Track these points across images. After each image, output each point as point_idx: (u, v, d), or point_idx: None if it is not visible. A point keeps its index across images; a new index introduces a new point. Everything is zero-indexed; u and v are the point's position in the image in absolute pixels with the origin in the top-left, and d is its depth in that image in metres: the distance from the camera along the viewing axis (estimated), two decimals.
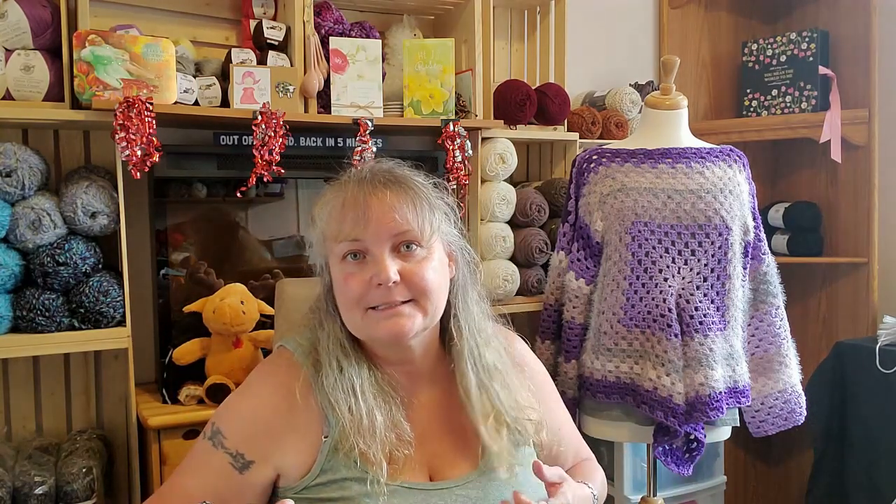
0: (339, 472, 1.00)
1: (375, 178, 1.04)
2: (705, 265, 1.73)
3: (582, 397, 1.82)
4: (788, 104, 2.70)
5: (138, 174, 1.63)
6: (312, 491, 1.01)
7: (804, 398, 1.91)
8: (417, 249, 1.03)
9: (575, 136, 2.33)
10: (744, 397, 1.76)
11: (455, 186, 2.01)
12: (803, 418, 1.90)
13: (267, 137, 1.77)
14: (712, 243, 1.73)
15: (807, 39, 2.65)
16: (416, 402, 1.08)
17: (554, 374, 1.81)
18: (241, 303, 1.76)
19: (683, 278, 1.72)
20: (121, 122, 1.60)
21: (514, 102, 2.18)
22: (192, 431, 1.69)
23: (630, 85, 2.56)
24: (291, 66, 1.90)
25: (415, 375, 1.10)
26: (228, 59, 1.88)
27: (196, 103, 1.81)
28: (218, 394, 1.72)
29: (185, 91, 1.78)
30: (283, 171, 1.79)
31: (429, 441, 1.06)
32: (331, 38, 1.94)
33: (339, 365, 1.03)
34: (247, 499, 1.03)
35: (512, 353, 1.18)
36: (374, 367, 1.07)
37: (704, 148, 1.82)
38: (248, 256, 2.03)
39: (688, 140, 1.85)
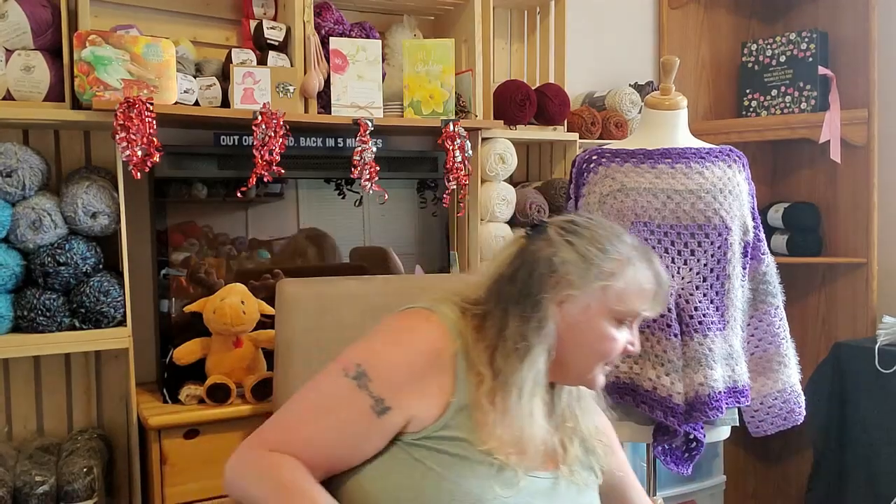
0: (460, 432, 1.05)
1: (659, 262, 1.15)
2: (705, 265, 1.73)
3: None
4: (788, 104, 2.71)
5: (139, 174, 1.63)
6: (432, 441, 1.05)
7: (803, 398, 1.91)
8: None
9: (575, 136, 2.33)
10: (743, 397, 1.76)
11: (455, 186, 2.01)
12: (802, 418, 1.90)
13: (267, 138, 1.77)
14: (712, 243, 1.73)
15: (806, 40, 2.66)
16: None
17: None
18: (242, 303, 1.77)
19: (683, 278, 1.72)
20: (121, 122, 1.60)
21: (514, 102, 2.18)
22: (192, 431, 1.69)
23: (630, 85, 2.56)
24: (291, 66, 1.91)
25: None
26: (229, 59, 1.89)
27: (196, 103, 1.81)
28: (218, 393, 1.72)
29: (185, 91, 1.78)
30: (283, 171, 1.79)
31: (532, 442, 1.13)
32: (331, 38, 1.94)
33: (524, 388, 1.08)
34: (373, 443, 1.05)
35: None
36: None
37: (704, 148, 1.82)
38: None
39: (687, 140, 1.85)
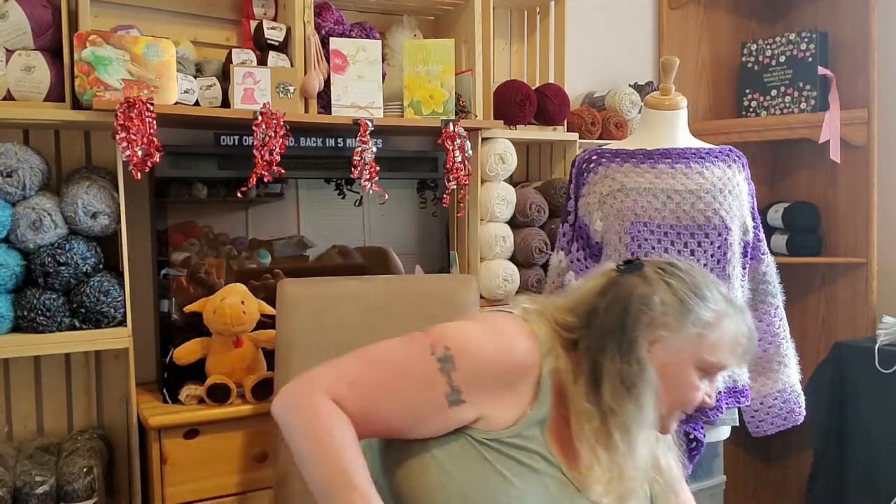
0: (534, 445, 1.04)
1: (750, 318, 1.14)
2: (704, 265, 1.73)
3: None
4: (788, 104, 2.71)
5: (139, 174, 1.63)
6: (504, 446, 1.03)
7: (803, 398, 1.91)
8: None
9: (574, 136, 2.33)
10: (743, 397, 1.76)
11: (455, 186, 2.01)
12: (802, 418, 1.91)
13: (267, 138, 1.77)
14: (711, 243, 1.73)
15: (806, 40, 2.66)
16: None
17: None
18: (242, 303, 1.77)
19: None
20: (121, 122, 1.60)
21: (514, 103, 2.18)
22: (192, 431, 1.69)
23: (630, 85, 2.56)
24: (292, 66, 1.91)
25: None
26: (229, 59, 1.89)
27: (197, 104, 1.81)
28: (218, 393, 1.72)
29: (185, 91, 1.78)
30: (283, 171, 1.79)
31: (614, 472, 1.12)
32: (331, 38, 1.94)
33: (637, 437, 1.08)
34: (434, 426, 1.03)
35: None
36: None
37: (704, 148, 1.82)
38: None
39: (687, 140, 1.86)
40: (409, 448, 1.05)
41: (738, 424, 1.85)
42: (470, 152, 2.02)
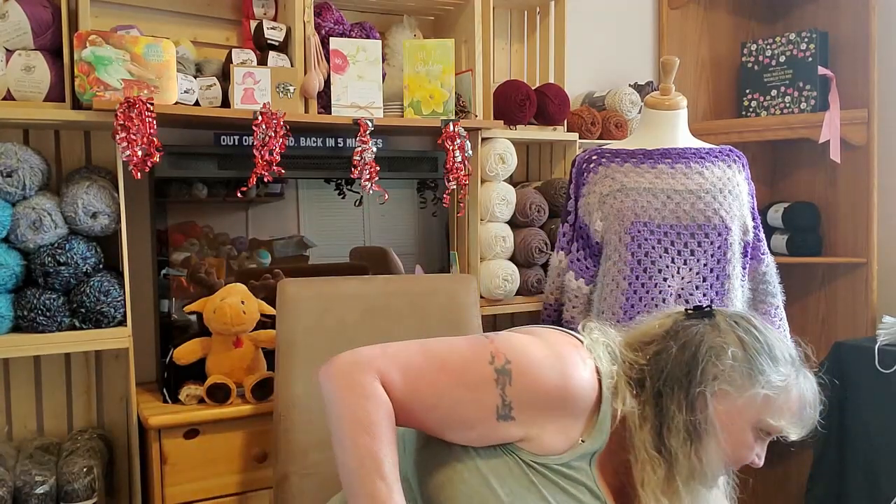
0: (581, 476, 1.03)
1: (814, 393, 1.12)
2: (704, 265, 1.73)
3: None
4: (788, 104, 2.71)
5: (139, 174, 1.63)
6: (550, 471, 1.02)
7: None
8: None
9: (574, 136, 2.33)
10: None
11: (455, 186, 2.01)
12: None
13: (267, 138, 1.77)
14: (711, 243, 1.73)
15: (806, 40, 2.66)
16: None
17: None
18: (242, 303, 1.77)
19: (683, 278, 1.72)
20: (121, 122, 1.60)
21: (514, 103, 2.18)
22: (192, 431, 1.69)
23: (630, 85, 2.56)
24: (292, 66, 1.91)
25: None
26: (229, 59, 1.89)
27: (197, 104, 1.81)
28: (218, 393, 1.72)
29: (185, 91, 1.78)
30: (283, 171, 1.79)
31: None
32: (331, 38, 1.94)
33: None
34: (476, 435, 1.02)
35: None
36: None
37: (704, 148, 1.82)
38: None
39: (687, 140, 1.86)
40: (452, 454, 1.03)
41: None
42: (470, 152, 2.02)
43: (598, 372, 1.07)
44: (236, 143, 1.90)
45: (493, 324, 2.33)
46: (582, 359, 1.07)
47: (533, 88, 2.25)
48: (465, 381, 1.00)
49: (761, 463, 1.11)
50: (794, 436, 1.09)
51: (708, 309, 1.12)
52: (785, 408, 1.07)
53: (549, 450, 1.03)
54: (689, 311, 1.13)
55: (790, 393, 1.07)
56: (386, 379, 0.98)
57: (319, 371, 1.01)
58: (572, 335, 1.12)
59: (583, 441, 1.04)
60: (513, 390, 1.00)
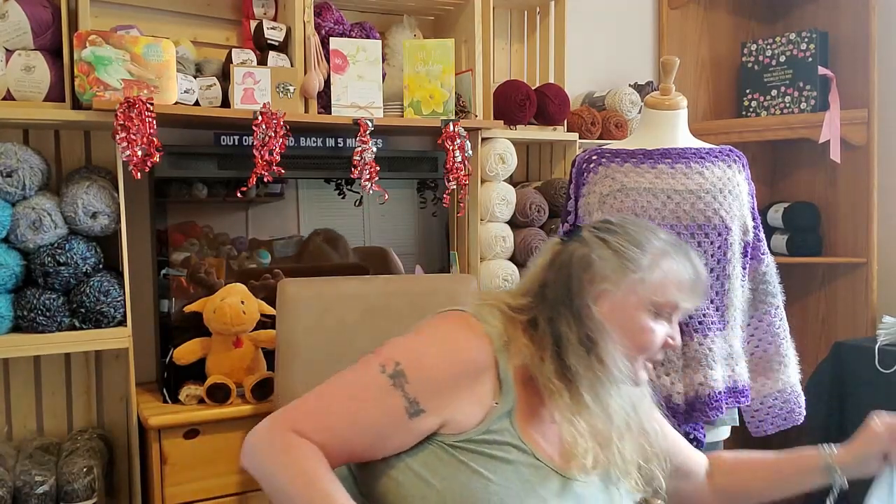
0: (504, 437, 1.05)
1: (697, 258, 1.16)
2: (704, 265, 1.72)
3: None
4: (788, 104, 2.71)
5: (139, 174, 1.63)
6: (475, 444, 1.04)
7: (803, 398, 1.91)
8: None
9: (574, 136, 2.33)
10: (743, 397, 1.76)
11: (455, 186, 2.01)
12: (803, 418, 1.91)
13: (267, 138, 1.77)
14: (711, 243, 1.73)
15: (806, 40, 2.66)
16: None
17: None
18: (242, 303, 1.77)
19: None
20: (121, 122, 1.60)
21: (514, 103, 2.18)
22: (192, 431, 1.69)
23: (630, 85, 2.56)
24: (292, 66, 1.91)
25: None
26: (229, 59, 1.89)
27: (196, 103, 1.81)
28: (218, 393, 1.72)
29: (185, 91, 1.78)
30: (283, 171, 1.79)
31: (595, 443, 1.13)
32: (331, 38, 1.94)
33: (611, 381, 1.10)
34: (400, 441, 1.04)
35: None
36: None
37: (704, 148, 1.82)
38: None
39: (687, 140, 1.85)
40: (385, 464, 1.06)
41: (738, 424, 1.85)
42: (470, 152, 2.02)
43: (488, 336, 1.10)
44: (236, 143, 1.90)
45: None
46: (469, 328, 1.10)
47: (533, 88, 2.25)
48: (368, 399, 1.03)
49: (677, 342, 1.13)
50: (688, 304, 1.12)
51: (577, 227, 1.17)
52: (666, 282, 1.10)
53: (470, 424, 1.05)
54: (563, 238, 1.17)
55: (663, 268, 1.10)
56: (298, 429, 1.01)
57: (242, 460, 1.04)
58: (457, 310, 1.15)
59: (496, 403, 1.07)
60: (412, 387, 1.03)
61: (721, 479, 1.29)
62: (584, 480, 1.08)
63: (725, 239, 1.74)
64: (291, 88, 1.86)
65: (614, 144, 1.91)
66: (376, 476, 1.07)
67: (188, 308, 1.80)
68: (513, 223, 2.19)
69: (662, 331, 1.11)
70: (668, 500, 1.27)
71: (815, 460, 1.24)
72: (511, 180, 2.29)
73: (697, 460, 1.31)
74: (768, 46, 2.76)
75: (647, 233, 1.14)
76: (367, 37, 2.02)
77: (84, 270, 1.66)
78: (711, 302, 1.73)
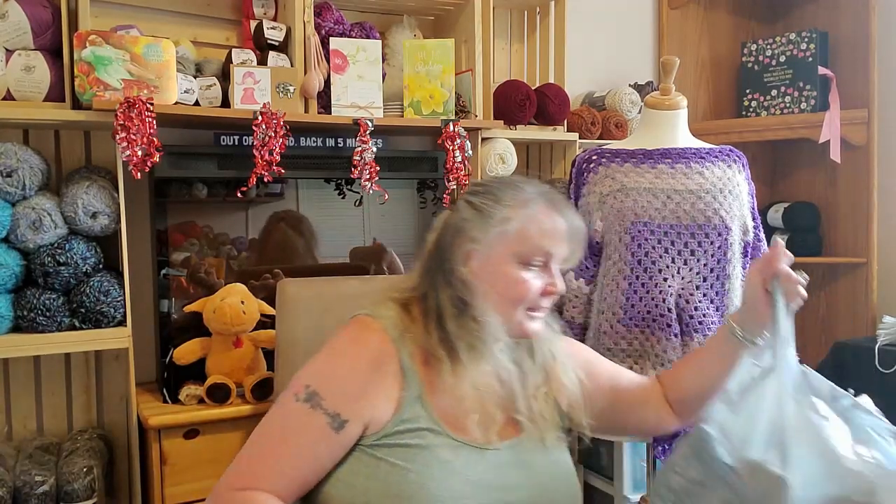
0: (419, 423, 1.08)
1: (564, 203, 1.16)
2: (705, 265, 1.73)
3: None
4: (788, 104, 2.71)
5: (139, 174, 1.63)
6: (391, 437, 1.07)
7: None
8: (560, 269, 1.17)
9: (574, 136, 2.33)
10: None
11: (455, 186, 2.01)
12: None
13: (267, 138, 1.77)
14: (712, 243, 1.73)
15: (806, 40, 2.66)
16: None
17: None
18: (242, 303, 1.77)
19: (683, 278, 1.72)
20: (121, 122, 1.60)
21: (514, 103, 2.18)
22: (192, 431, 1.69)
23: (630, 85, 2.56)
24: (292, 66, 1.91)
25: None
26: (229, 59, 1.89)
27: (196, 103, 1.81)
28: (218, 393, 1.72)
29: (185, 91, 1.78)
30: (283, 171, 1.79)
31: (498, 407, 1.15)
32: (331, 38, 1.94)
33: (487, 341, 1.11)
34: (336, 456, 1.08)
35: (571, 349, 1.30)
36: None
37: (704, 148, 1.82)
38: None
39: (687, 140, 1.85)
40: (319, 484, 1.09)
41: None
42: (470, 152, 2.02)
43: (382, 330, 1.13)
44: (236, 143, 1.90)
45: None
46: (364, 328, 1.14)
47: (533, 88, 2.25)
48: (295, 430, 1.06)
49: (558, 288, 1.14)
50: (557, 250, 1.13)
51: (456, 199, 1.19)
52: (526, 231, 1.11)
53: (386, 418, 1.08)
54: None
55: (522, 217, 1.11)
56: (243, 485, 1.04)
57: None
58: (356, 315, 1.18)
59: (403, 392, 1.10)
60: (329, 402, 1.06)
61: (672, 393, 1.31)
62: (500, 447, 1.10)
63: (725, 239, 1.74)
64: (291, 88, 1.86)
65: (614, 144, 1.91)
66: (311, 499, 1.10)
67: (188, 308, 1.80)
68: None
69: (538, 280, 1.13)
70: (642, 435, 1.35)
71: (722, 331, 1.24)
72: None
73: (648, 386, 1.32)
74: (768, 46, 2.76)
75: (510, 188, 1.15)
76: (367, 37, 2.02)
77: (84, 270, 1.66)
78: (711, 302, 1.73)
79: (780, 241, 1.14)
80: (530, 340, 1.19)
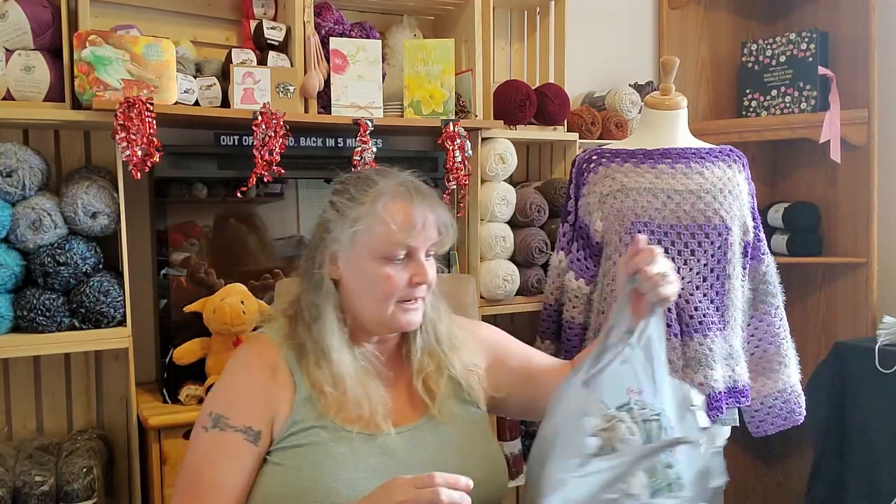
0: (308, 422, 1.10)
1: (420, 192, 1.15)
2: (705, 265, 1.73)
3: None
4: (788, 104, 2.71)
5: (139, 174, 1.63)
6: (286, 440, 1.10)
7: (803, 398, 1.91)
8: (433, 257, 1.18)
9: (575, 136, 2.33)
10: (743, 397, 1.76)
11: (455, 186, 2.01)
12: (803, 418, 1.91)
13: (267, 138, 1.77)
14: (712, 243, 1.73)
15: (806, 40, 2.66)
16: (386, 369, 1.20)
17: None
18: (242, 303, 1.77)
19: (683, 278, 1.72)
20: (121, 122, 1.60)
21: (514, 102, 2.18)
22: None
23: (630, 85, 2.56)
24: (291, 66, 1.91)
25: (389, 347, 1.24)
26: (229, 59, 1.89)
27: (196, 103, 1.81)
28: None
29: (185, 91, 1.78)
30: (283, 171, 1.79)
31: (392, 397, 1.18)
32: (331, 38, 1.94)
33: (331, 344, 1.14)
34: (256, 468, 1.10)
35: (471, 328, 1.34)
36: (356, 345, 1.19)
37: (704, 148, 1.82)
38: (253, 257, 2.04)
39: (687, 140, 1.86)
40: None
41: (738, 424, 1.85)
42: (470, 152, 2.02)
43: (267, 339, 1.16)
44: (236, 143, 1.90)
45: (493, 323, 2.32)
46: (253, 340, 1.18)
47: (533, 88, 2.25)
48: (218, 458, 1.08)
49: (428, 277, 1.14)
50: (422, 240, 1.13)
51: None
52: (375, 231, 1.11)
53: (282, 424, 1.10)
54: None
55: (372, 217, 1.11)
56: None
57: None
58: (256, 333, 1.22)
59: (294, 395, 1.12)
60: (235, 419, 1.09)
61: None
62: (392, 431, 1.12)
63: (725, 239, 1.74)
64: (291, 88, 1.86)
65: (614, 144, 1.91)
66: None
67: (188, 308, 1.80)
68: (513, 223, 2.19)
69: (404, 273, 1.13)
70: None
71: None
72: (511, 180, 2.29)
73: (560, 368, 1.33)
74: (768, 46, 2.76)
75: (364, 183, 1.16)
76: (367, 37, 2.02)
77: (84, 270, 1.66)
78: (711, 302, 1.73)
79: (639, 236, 1.15)
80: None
